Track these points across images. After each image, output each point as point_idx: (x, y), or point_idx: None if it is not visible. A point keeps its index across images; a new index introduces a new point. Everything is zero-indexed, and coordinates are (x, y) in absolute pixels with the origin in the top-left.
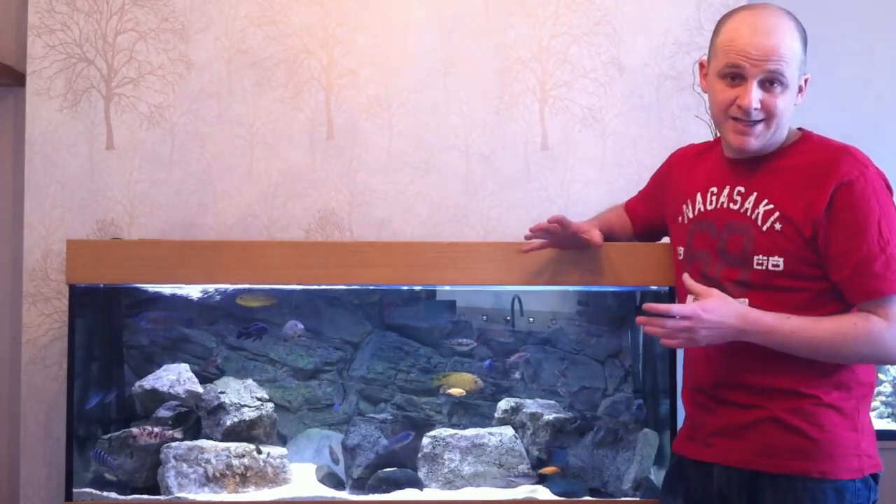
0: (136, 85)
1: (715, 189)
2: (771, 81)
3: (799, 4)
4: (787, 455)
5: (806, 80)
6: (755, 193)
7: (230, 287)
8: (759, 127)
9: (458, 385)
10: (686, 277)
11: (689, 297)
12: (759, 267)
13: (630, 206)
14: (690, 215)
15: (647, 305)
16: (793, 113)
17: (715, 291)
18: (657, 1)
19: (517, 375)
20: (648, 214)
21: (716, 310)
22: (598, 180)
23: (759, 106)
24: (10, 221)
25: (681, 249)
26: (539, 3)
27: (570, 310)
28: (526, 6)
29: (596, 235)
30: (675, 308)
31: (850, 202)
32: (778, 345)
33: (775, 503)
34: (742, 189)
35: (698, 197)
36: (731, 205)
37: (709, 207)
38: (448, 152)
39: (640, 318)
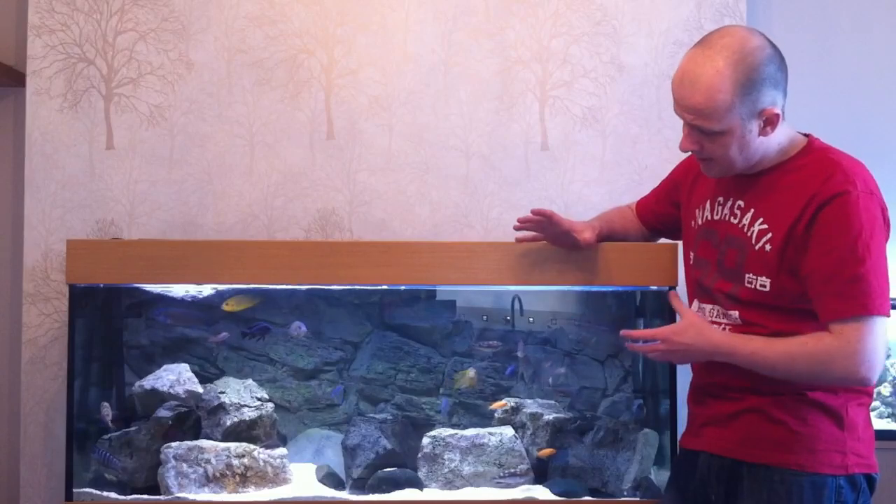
0: (136, 85)
1: (721, 199)
2: (696, 129)
3: (799, 5)
4: (768, 445)
5: (772, 115)
6: (752, 210)
7: (228, 287)
8: (711, 162)
9: (459, 382)
10: (672, 295)
11: (695, 304)
12: (749, 285)
13: (642, 205)
14: (700, 221)
15: (624, 332)
16: (763, 142)
17: (691, 315)
18: (657, 1)
19: (555, 385)
20: (665, 213)
21: (684, 333)
22: (598, 180)
23: (695, 148)
24: (10, 221)
25: (692, 254)
26: (539, 3)
27: (570, 310)
28: (526, 6)
29: (586, 237)
30: (647, 333)
31: (830, 219)
32: (743, 365)
33: (751, 492)
34: (741, 203)
35: (708, 204)
36: (732, 218)
37: (715, 217)
38: (448, 152)
39: (627, 345)
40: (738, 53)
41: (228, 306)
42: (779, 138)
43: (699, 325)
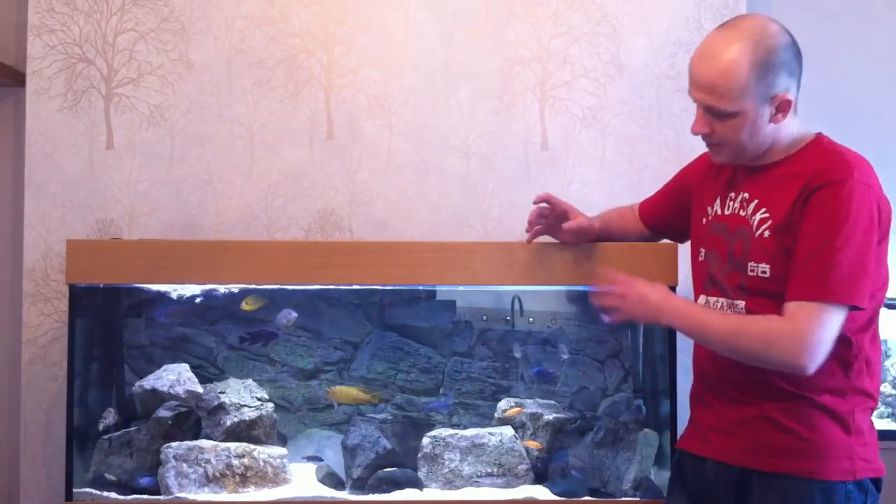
0: (136, 85)
1: (733, 194)
2: (709, 111)
3: (799, 4)
4: (777, 453)
5: (785, 101)
6: (756, 200)
7: (229, 287)
8: (721, 147)
9: (345, 398)
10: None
11: (701, 298)
12: (752, 273)
13: (646, 206)
14: (710, 218)
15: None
16: (774, 129)
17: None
18: (657, 1)
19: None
20: (668, 213)
21: (646, 284)
22: (598, 180)
23: (706, 131)
24: (10, 221)
25: (702, 251)
26: (539, 3)
27: (570, 310)
28: (526, 6)
29: (582, 221)
30: (613, 274)
31: (820, 204)
32: (690, 331)
33: (762, 500)
34: (746, 195)
35: (718, 200)
36: (741, 211)
37: (726, 212)
38: (448, 152)
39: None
40: (758, 36)
41: (248, 305)
42: (790, 130)
43: (656, 285)
